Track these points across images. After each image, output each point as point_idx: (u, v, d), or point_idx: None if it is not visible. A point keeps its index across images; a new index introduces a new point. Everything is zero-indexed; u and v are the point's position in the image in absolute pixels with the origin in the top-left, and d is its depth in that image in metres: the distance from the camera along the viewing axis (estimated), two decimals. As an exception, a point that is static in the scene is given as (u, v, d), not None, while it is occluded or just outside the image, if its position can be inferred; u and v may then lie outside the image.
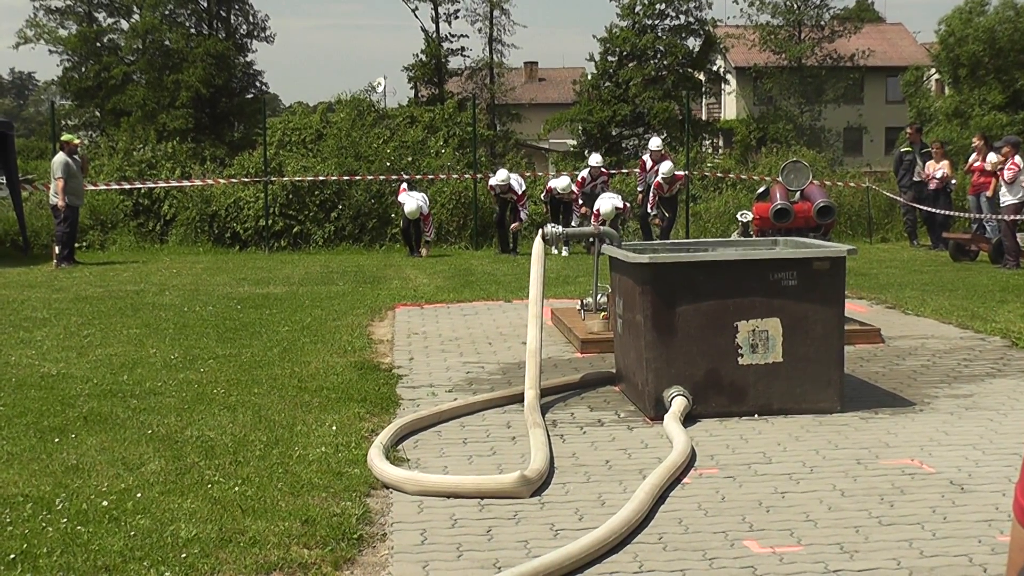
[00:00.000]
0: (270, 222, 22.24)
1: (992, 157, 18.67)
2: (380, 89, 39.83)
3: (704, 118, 56.99)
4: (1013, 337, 10.31)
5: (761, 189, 14.22)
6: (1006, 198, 17.26)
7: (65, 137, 19.65)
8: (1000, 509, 5.41)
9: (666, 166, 20.29)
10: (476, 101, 29.52)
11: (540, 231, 9.42)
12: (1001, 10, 50.20)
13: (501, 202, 20.66)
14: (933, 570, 4.69)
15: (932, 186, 20.33)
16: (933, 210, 20.01)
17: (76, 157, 19.13)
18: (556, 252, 19.22)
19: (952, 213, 19.93)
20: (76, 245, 19.71)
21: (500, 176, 20.48)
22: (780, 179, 11.77)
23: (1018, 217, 17.14)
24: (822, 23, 51.85)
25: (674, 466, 6.01)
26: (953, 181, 20.62)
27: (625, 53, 48.73)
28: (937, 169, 20.37)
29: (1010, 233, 17.18)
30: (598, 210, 19.59)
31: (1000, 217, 17.45)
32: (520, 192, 20.47)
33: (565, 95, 58.91)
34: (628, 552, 4.93)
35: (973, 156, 19.82)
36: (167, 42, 52.00)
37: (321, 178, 22.58)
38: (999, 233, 17.60)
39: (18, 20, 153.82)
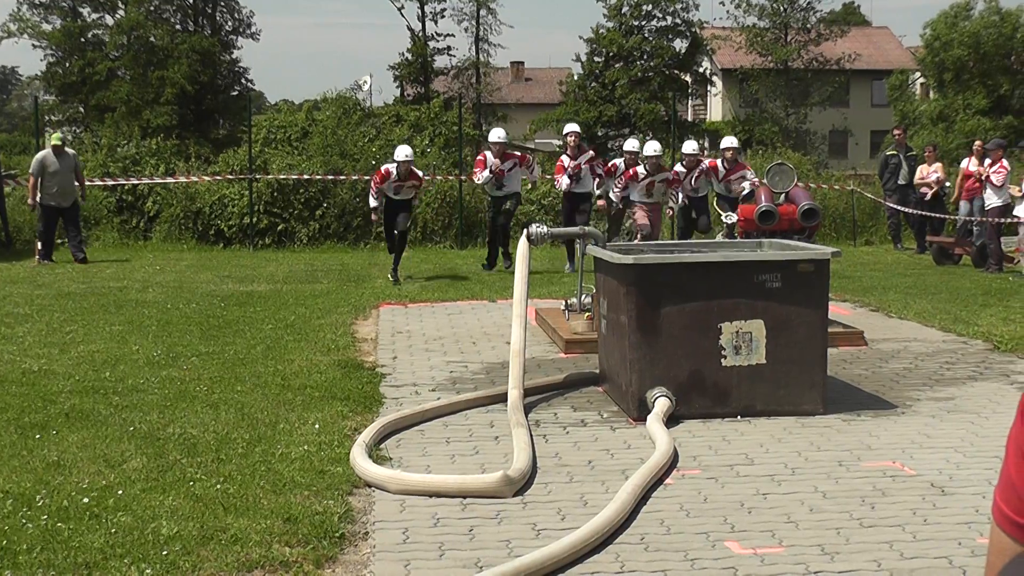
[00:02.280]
0: (255, 220, 22.18)
1: (974, 163, 18.78)
2: (366, 87, 39.85)
3: (690, 119, 57.03)
4: (995, 340, 10.36)
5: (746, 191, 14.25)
6: (992, 200, 17.31)
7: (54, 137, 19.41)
8: (980, 512, 5.44)
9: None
10: (462, 100, 29.53)
11: (525, 231, 9.42)
12: (986, 15, 50.44)
13: (496, 204, 16.71)
14: (913, 572, 4.70)
15: (925, 190, 20.32)
16: (930, 214, 20.00)
17: (67, 154, 18.69)
18: (568, 269, 16.26)
19: (946, 216, 19.97)
20: (58, 241, 19.42)
21: (498, 133, 16.91)
22: (765, 181, 11.79)
23: (1002, 220, 17.20)
24: (808, 26, 51.96)
25: (657, 467, 6.02)
26: (947, 184, 20.63)
27: (612, 54, 48.81)
28: (931, 172, 20.39)
29: (994, 237, 17.25)
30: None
31: (986, 220, 17.49)
32: (521, 152, 18.35)
33: (551, 95, 58.91)
34: (610, 552, 4.94)
35: (966, 161, 19.80)
36: (152, 38, 51.79)
37: (306, 176, 22.53)
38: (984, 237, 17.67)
39: (1, 14, 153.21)
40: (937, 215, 19.98)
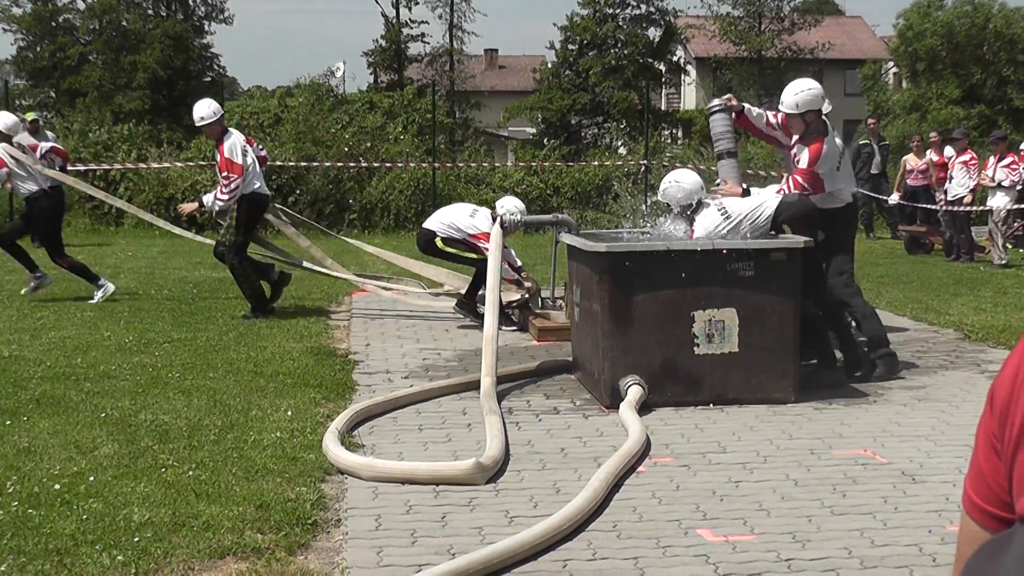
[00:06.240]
0: (227, 206, 22.04)
1: (933, 154, 18.93)
2: (339, 74, 39.65)
3: (663, 108, 57.06)
4: (966, 330, 10.42)
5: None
6: (957, 191, 17.39)
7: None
8: (950, 500, 5.47)
9: None
10: (436, 88, 29.40)
11: (499, 219, 9.41)
12: (959, 5, 50.61)
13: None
14: (883, 559, 4.73)
15: (912, 180, 20.29)
16: (913, 204, 20.01)
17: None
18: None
19: (933, 207, 20.00)
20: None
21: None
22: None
23: (970, 209, 17.28)
24: (782, 15, 52.01)
25: (629, 454, 6.03)
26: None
27: (585, 42, 48.71)
28: (921, 164, 20.40)
29: (965, 226, 17.34)
30: None
31: (953, 209, 17.57)
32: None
33: (525, 83, 58.76)
34: (582, 539, 4.95)
35: (929, 152, 19.89)
36: (124, 23, 51.40)
37: (279, 163, 22.44)
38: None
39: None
40: (918, 205, 20.03)
